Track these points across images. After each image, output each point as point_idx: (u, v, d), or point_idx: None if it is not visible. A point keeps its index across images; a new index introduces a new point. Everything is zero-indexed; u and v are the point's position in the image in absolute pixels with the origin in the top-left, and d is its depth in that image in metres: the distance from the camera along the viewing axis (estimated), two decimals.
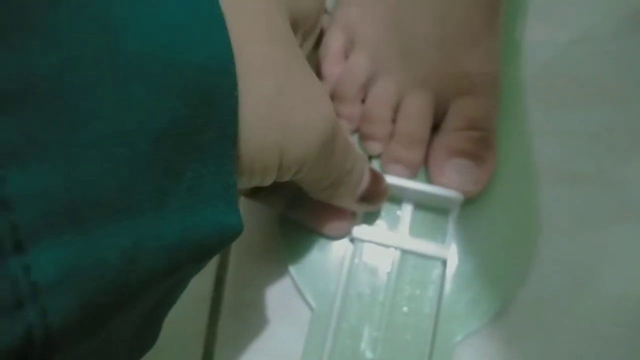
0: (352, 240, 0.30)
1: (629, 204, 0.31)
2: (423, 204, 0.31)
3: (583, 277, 0.30)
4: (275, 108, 0.18)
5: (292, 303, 0.30)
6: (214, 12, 0.15)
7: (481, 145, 0.30)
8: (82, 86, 0.13)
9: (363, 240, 0.30)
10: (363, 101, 0.30)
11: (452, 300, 0.29)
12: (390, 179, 0.29)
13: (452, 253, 0.30)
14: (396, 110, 0.30)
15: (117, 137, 0.13)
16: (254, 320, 0.30)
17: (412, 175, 0.30)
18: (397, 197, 0.31)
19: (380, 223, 0.31)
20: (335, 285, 0.30)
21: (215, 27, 0.15)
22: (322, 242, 0.31)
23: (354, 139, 0.32)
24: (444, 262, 0.30)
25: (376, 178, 0.28)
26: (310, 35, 0.22)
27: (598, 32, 0.35)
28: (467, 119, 0.30)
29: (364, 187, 0.27)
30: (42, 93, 0.12)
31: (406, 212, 0.31)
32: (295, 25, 0.21)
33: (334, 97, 0.30)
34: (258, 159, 0.18)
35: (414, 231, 0.30)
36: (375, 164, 0.31)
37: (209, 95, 0.15)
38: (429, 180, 0.31)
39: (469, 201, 0.30)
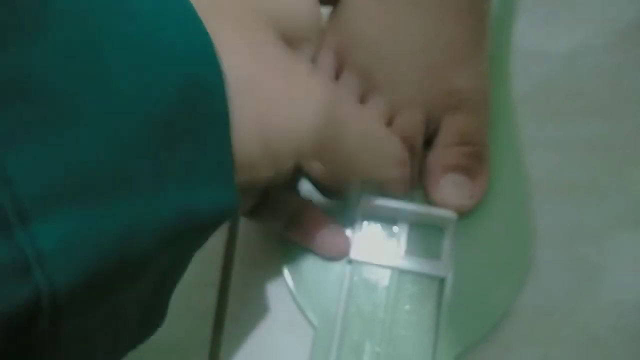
0: (349, 262, 0.31)
1: (624, 213, 0.31)
2: (418, 223, 0.31)
3: (580, 286, 0.30)
4: (251, 92, 0.18)
5: (295, 316, 0.31)
6: (189, 7, 0.17)
7: (474, 160, 0.30)
8: (72, 80, 0.14)
9: (361, 263, 0.31)
10: None
11: (451, 313, 0.29)
12: (385, 201, 0.30)
13: (449, 268, 0.30)
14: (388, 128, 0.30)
15: (111, 122, 0.15)
16: (257, 333, 0.30)
17: (407, 191, 0.31)
18: (393, 217, 0.31)
19: (377, 244, 0.31)
20: (336, 303, 0.30)
21: (193, 18, 0.17)
22: (322, 260, 0.31)
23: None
24: (442, 280, 0.30)
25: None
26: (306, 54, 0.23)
27: (591, 46, 0.35)
28: (459, 135, 0.30)
29: (397, 154, 0.27)
30: (35, 87, 0.14)
31: (402, 231, 0.31)
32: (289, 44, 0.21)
33: None
34: (238, 151, 0.18)
35: (411, 250, 0.31)
36: None
37: (196, 79, 0.16)
38: (425, 195, 0.31)
39: (465, 214, 0.31)
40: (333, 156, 0.22)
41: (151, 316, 0.19)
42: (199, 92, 0.16)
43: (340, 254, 0.30)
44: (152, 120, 0.15)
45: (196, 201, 0.17)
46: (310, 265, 0.31)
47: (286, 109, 0.19)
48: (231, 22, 0.19)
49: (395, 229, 0.31)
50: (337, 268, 0.31)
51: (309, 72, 0.21)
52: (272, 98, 0.19)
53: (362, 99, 0.31)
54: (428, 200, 0.31)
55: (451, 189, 0.30)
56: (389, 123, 0.30)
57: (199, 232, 0.18)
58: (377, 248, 0.31)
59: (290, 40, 0.21)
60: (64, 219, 0.14)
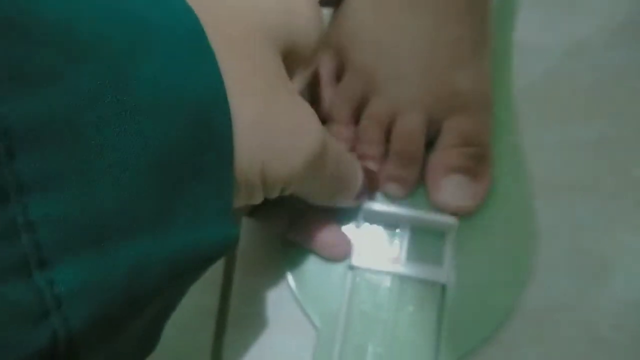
0: (351, 268, 0.31)
1: (627, 212, 0.31)
2: (419, 229, 0.31)
3: (584, 285, 0.30)
4: (256, 131, 0.19)
5: (297, 318, 0.31)
6: (205, 48, 0.17)
7: (476, 161, 0.30)
8: (94, 124, 0.14)
9: (362, 269, 0.30)
10: (357, 122, 0.31)
11: (454, 314, 0.29)
12: (386, 206, 0.30)
13: (451, 274, 0.30)
14: (390, 130, 0.30)
15: (125, 166, 0.15)
16: (260, 335, 0.30)
17: (408, 193, 0.31)
18: (394, 223, 0.31)
19: (378, 249, 0.31)
20: (339, 304, 0.30)
21: (208, 62, 0.17)
22: (324, 261, 0.31)
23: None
24: (444, 286, 0.30)
25: (368, 173, 0.29)
26: (303, 68, 0.23)
27: (591, 44, 0.35)
28: (461, 136, 0.30)
29: (359, 186, 0.28)
30: (59, 131, 0.14)
31: (403, 237, 0.31)
32: (290, 58, 0.22)
33: (327, 119, 0.31)
34: (241, 180, 0.19)
35: (412, 256, 0.31)
36: None
37: (206, 122, 0.17)
38: (427, 196, 0.31)
39: (467, 216, 0.31)
40: (317, 177, 0.23)
41: (147, 343, 0.20)
42: (207, 135, 0.17)
43: (342, 254, 0.30)
44: (163, 163, 0.16)
45: (200, 238, 0.17)
46: (313, 266, 0.31)
47: (287, 143, 0.20)
48: (241, 56, 0.19)
49: (397, 234, 0.31)
50: (340, 269, 0.31)
51: (306, 104, 0.21)
52: (274, 131, 0.19)
53: (364, 101, 0.31)
54: (430, 201, 0.31)
55: (453, 190, 0.30)
56: (391, 125, 0.30)
57: (201, 265, 0.18)
58: (378, 254, 0.31)
59: (291, 59, 0.22)
60: (80, 262, 0.14)
